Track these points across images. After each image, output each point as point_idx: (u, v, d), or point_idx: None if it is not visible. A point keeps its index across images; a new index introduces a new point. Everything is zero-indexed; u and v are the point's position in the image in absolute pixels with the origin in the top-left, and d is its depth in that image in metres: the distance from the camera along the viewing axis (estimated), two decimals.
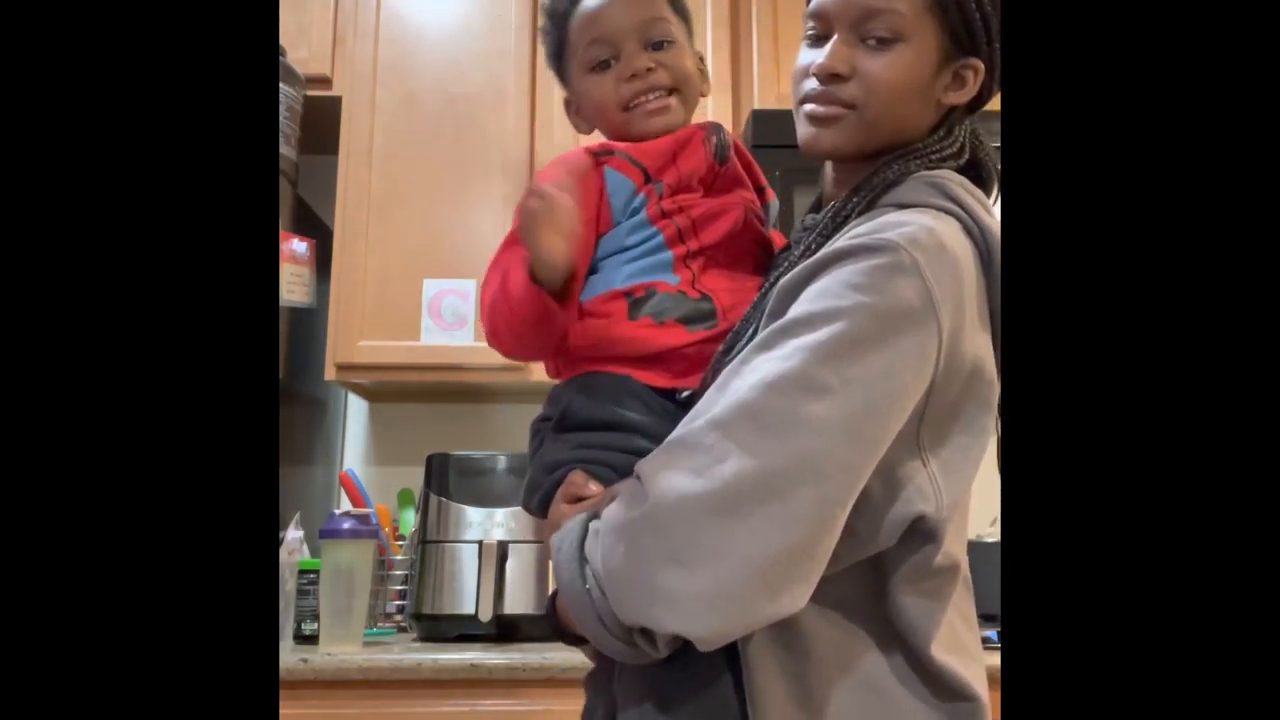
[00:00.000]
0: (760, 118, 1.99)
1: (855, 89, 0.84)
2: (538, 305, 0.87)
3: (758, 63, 2.15)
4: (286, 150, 1.96)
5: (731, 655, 0.78)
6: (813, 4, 0.88)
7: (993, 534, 2.10)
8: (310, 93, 2.11)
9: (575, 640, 0.89)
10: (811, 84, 0.86)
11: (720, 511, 0.71)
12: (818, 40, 0.87)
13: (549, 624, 0.90)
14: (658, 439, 0.81)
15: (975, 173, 0.92)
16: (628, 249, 0.93)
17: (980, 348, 0.79)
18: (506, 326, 0.91)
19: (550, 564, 0.83)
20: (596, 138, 1.01)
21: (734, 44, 2.21)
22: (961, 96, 0.87)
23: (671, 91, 0.97)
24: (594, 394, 0.90)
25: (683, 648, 0.76)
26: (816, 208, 0.97)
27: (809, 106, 0.87)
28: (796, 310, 0.77)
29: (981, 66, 0.87)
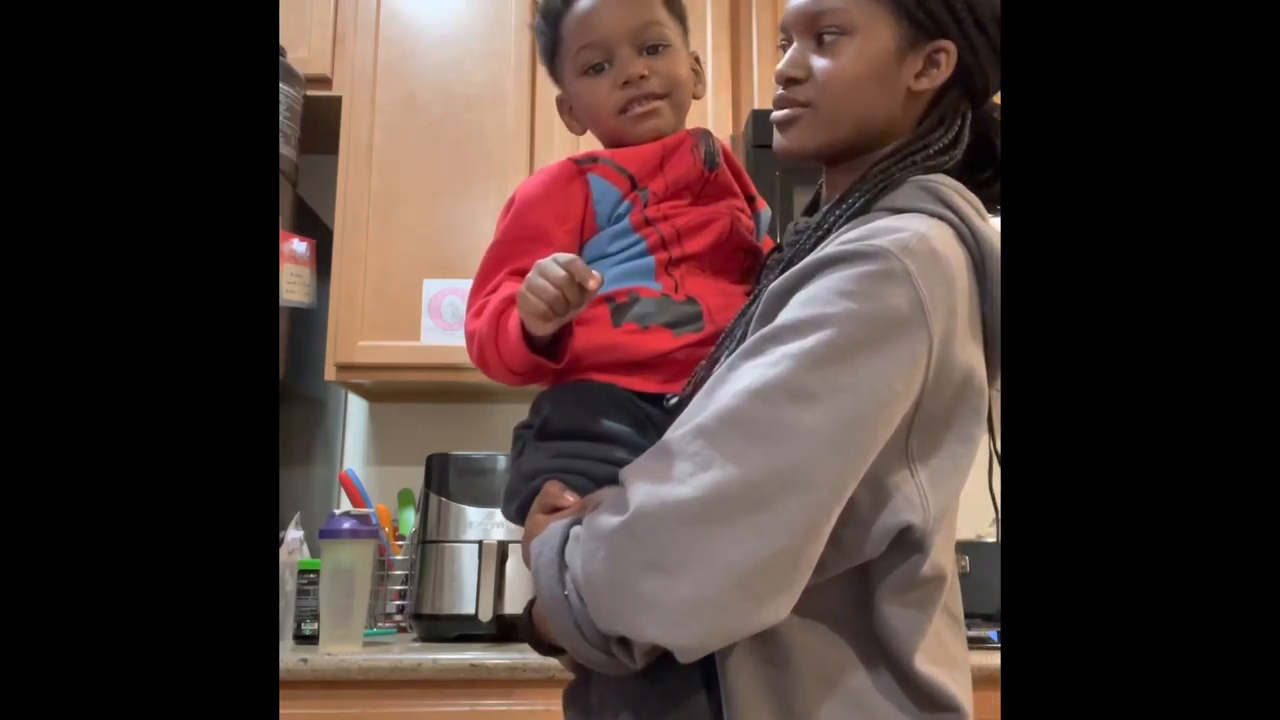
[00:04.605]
0: (760, 118, 1.99)
1: (810, 88, 0.87)
2: (530, 364, 0.88)
3: (758, 63, 2.15)
4: (286, 150, 1.96)
5: (709, 668, 0.77)
6: (780, 19, 0.91)
7: (993, 534, 2.10)
8: (310, 93, 2.11)
9: (552, 650, 0.88)
10: (777, 91, 0.89)
11: (703, 519, 0.70)
12: (786, 51, 0.90)
13: (525, 633, 0.89)
14: (638, 449, 0.80)
15: (986, 166, 0.91)
16: (609, 255, 0.92)
17: (971, 356, 0.78)
18: (498, 369, 0.92)
19: (530, 571, 0.82)
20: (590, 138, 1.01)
21: (734, 44, 2.21)
22: (934, 80, 0.86)
23: (663, 97, 0.96)
24: (575, 403, 0.89)
25: (660, 660, 0.76)
26: (811, 210, 0.96)
27: (774, 113, 0.90)
28: (785, 316, 0.76)
29: (952, 48, 0.86)
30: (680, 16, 1.00)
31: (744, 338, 0.80)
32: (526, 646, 0.91)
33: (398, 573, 1.98)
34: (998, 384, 0.83)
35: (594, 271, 0.81)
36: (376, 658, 1.63)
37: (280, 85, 1.92)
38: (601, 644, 0.75)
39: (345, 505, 2.04)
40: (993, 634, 1.72)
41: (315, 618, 1.78)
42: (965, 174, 0.89)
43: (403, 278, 2.07)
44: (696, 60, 1.01)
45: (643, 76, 0.94)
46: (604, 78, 0.96)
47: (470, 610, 1.81)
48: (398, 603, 1.97)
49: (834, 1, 0.86)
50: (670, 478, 0.72)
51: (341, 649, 1.68)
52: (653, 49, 0.96)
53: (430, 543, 1.88)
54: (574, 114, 1.01)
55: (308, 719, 1.60)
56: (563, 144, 2.11)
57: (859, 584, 0.79)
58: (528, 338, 0.86)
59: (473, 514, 1.88)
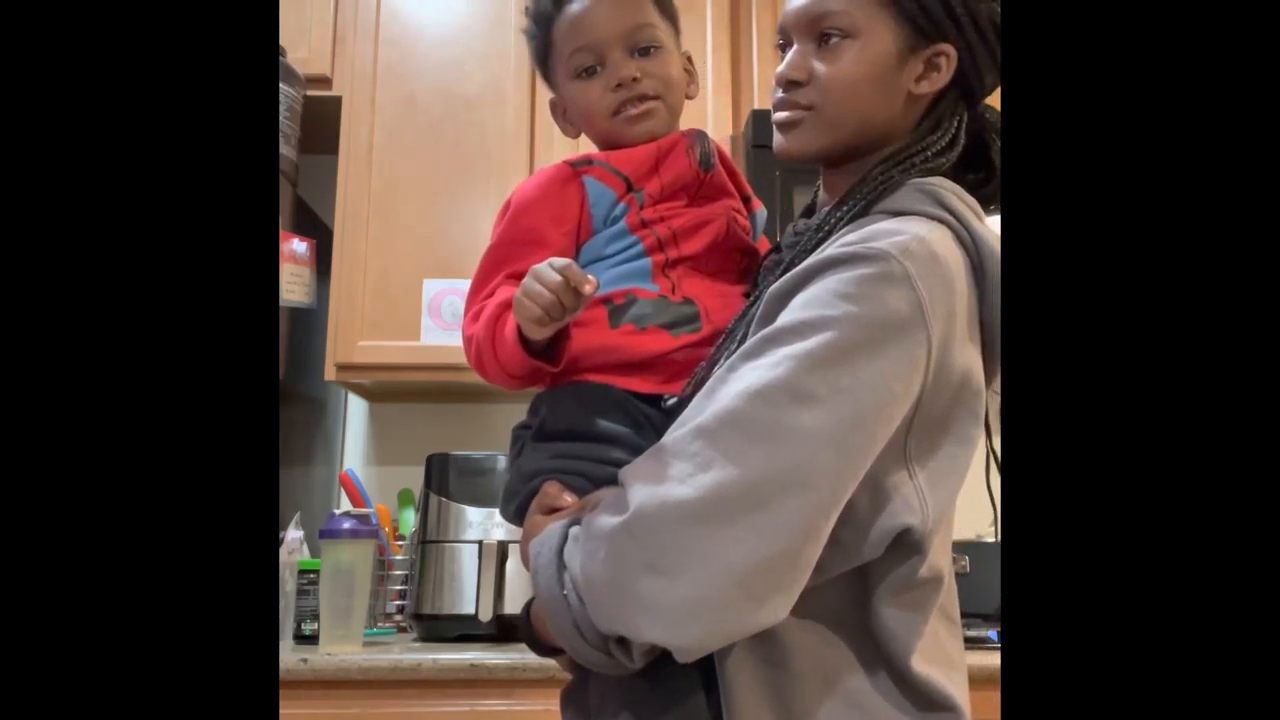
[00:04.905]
0: (760, 118, 1.99)
1: (812, 91, 0.86)
2: (527, 368, 0.89)
3: (758, 63, 2.15)
4: (286, 150, 1.96)
5: (709, 668, 0.77)
6: (779, 21, 0.91)
7: (993, 534, 2.10)
8: (310, 93, 2.11)
9: (550, 651, 0.88)
10: (777, 93, 0.89)
11: (703, 519, 0.70)
12: (784, 52, 0.89)
13: (524, 634, 0.89)
14: (637, 450, 0.80)
15: (980, 167, 0.91)
16: (606, 257, 0.92)
17: (970, 358, 0.78)
18: (496, 374, 0.92)
19: (529, 572, 0.82)
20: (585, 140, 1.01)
21: (734, 44, 2.21)
22: (935, 83, 0.86)
23: (656, 99, 0.96)
24: (573, 403, 0.89)
25: (659, 660, 0.76)
26: (809, 213, 0.96)
27: (774, 114, 0.90)
28: (785, 318, 0.76)
29: (953, 51, 0.86)
30: (672, 17, 1.00)
31: (744, 339, 0.80)
32: (526, 646, 0.91)
33: (398, 573, 1.98)
34: (995, 385, 0.83)
35: (589, 276, 0.81)
36: (376, 658, 1.63)
37: (280, 85, 1.92)
38: (600, 644, 0.75)
39: (345, 505, 2.04)
40: (992, 634, 1.72)
41: (315, 618, 1.78)
42: (959, 174, 0.89)
43: (403, 278, 2.07)
44: (689, 60, 1.01)
45: (635, 79, 0.95)
46: (596, 81, 0.96)
47: (470, 610, 1.81)
48: (398, 603, 1.98)
49: (836, 4, 0.85)
50: (670, 478, 0.73)
51: (341, 649, 1.68)
52: (645, 51, 0.96)
53: (430, 543, 1.88)
54: (567, 117, 1.02)
55: (308, 719, 1.61)
56: (563, 144, 2.11)
57: (857, 585, 0.79)
58: (524, 341, 0.86)
59: (473, 514, 1.88)
